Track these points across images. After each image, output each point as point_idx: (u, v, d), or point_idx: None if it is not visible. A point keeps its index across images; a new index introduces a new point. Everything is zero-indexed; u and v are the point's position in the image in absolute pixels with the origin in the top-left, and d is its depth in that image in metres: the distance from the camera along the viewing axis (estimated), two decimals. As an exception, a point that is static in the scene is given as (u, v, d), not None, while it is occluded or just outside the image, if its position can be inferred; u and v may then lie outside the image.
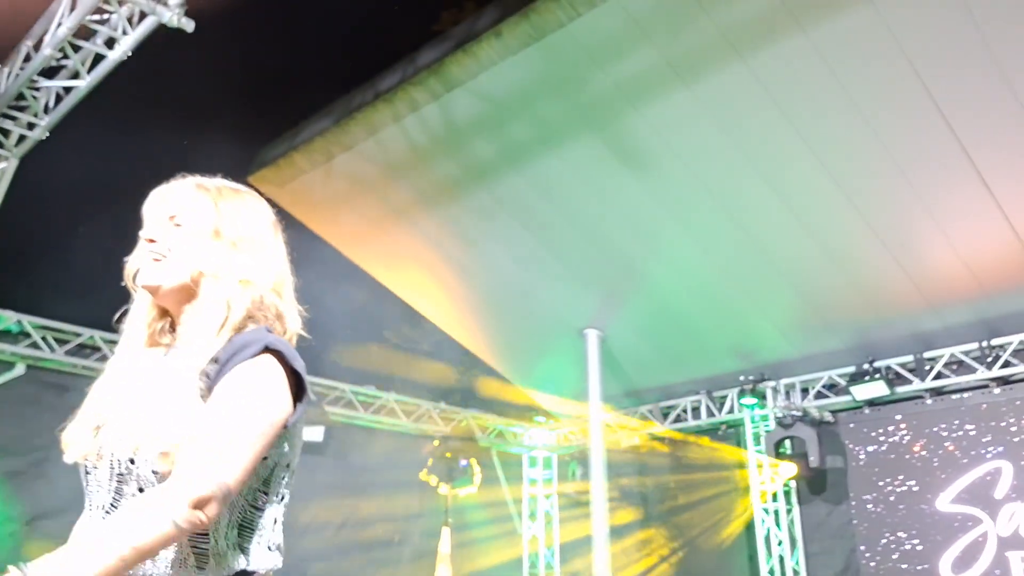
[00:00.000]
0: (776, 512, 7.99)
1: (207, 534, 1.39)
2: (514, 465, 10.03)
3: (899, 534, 7.27)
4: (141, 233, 1.59)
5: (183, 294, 1.57)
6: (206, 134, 6.45)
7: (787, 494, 8.03)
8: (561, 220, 7.10)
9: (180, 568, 1.38)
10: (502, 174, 6.86)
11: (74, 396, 5.78)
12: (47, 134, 5.04)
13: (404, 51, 6.54)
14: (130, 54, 4.51)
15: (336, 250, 8.17)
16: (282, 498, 1.53)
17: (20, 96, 4.87)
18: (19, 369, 6.44)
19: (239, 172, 7.54)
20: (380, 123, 6.81)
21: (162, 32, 4.46)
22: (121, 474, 1.44)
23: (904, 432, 7.45)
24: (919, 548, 7.13)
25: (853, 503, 7.59)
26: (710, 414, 8.58)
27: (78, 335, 6.78)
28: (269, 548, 1.49)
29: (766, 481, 8.03)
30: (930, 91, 5.47)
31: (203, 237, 1.57)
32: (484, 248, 7.68)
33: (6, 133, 5.14)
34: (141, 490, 1.41)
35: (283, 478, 1.52)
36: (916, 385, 7.38)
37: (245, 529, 1.45)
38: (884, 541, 7.33)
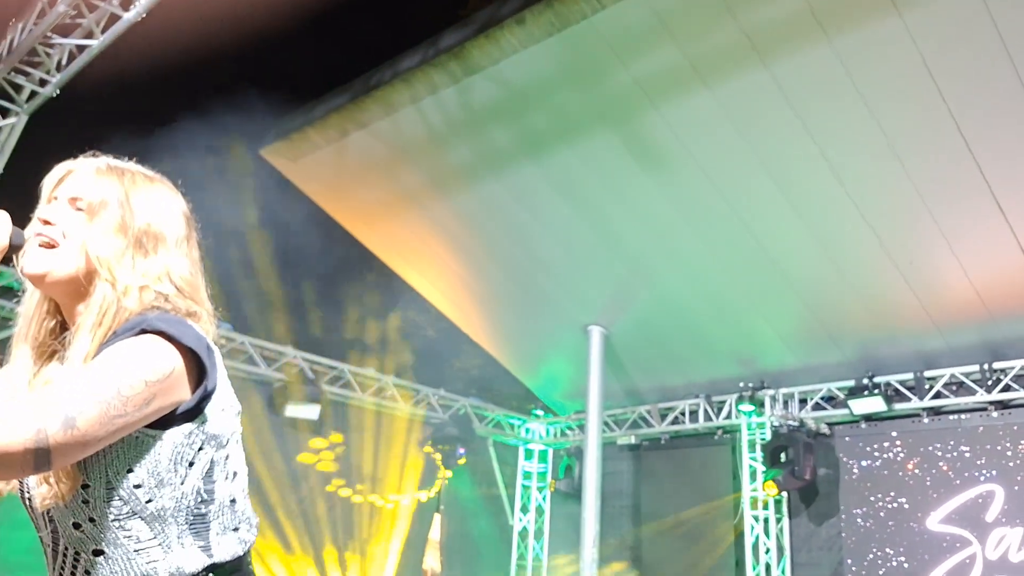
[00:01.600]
0: (766, 520, 7.98)
1: (155, 547, 1.32)
2: (509, 456, 10.02)
3: (887, 550, 7.24)
4: (35, 213, 1.41)
5: (72, 287, 1.40)
6: (222, 103, 6.44)
7: (778, 503, 8.01)
8: (573, 214, 7.07)
9: None
10: (516, 164, 6.83)
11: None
12: (57, 92, 5.02)
13: (427, 33, 6.51)
14: (145, 15, 4.49)
15: (345, 229, 8.17)
16: (231, 476, 1.42)
17: (33, 52, 4.85)
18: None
19: (252, 144, 7.55)
20: (397, 103, 6.78)
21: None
22: (48, 509, 1.34)
23: (899, 449, 7.42)
24: (906, 566, 7.10)
25: (843, 516, 7.57)
26: (707, 418, 8.56)
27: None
28: (234, 530, 1.42)
29: (758, 488, 8.00)
30: (952, 111, 5.42)
31: (106, 228, 1.40)
32: (493, 237, 7.65)
33: (18, 88, 5.12)
34: (77, 525, 1.32)
35: (223, 457, 1.41)
36: (914, 403, 7.35)
37: (197, 526, 1.37)
38: (871, 556, 7.31)
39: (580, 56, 5.96)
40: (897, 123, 5.63)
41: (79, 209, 1.41)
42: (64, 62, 4.85)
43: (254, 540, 1.45)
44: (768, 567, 7.85)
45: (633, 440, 9.10)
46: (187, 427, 1.35)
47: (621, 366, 8.54)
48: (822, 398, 7.93)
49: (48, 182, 1.45)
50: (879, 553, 7.27)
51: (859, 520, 7.46)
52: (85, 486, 1.29)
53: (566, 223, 7.19)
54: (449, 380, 9.48)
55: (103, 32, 4.56)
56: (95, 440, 1.21)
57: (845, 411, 7.60)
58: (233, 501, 1.42)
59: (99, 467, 1.29)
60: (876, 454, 7.53)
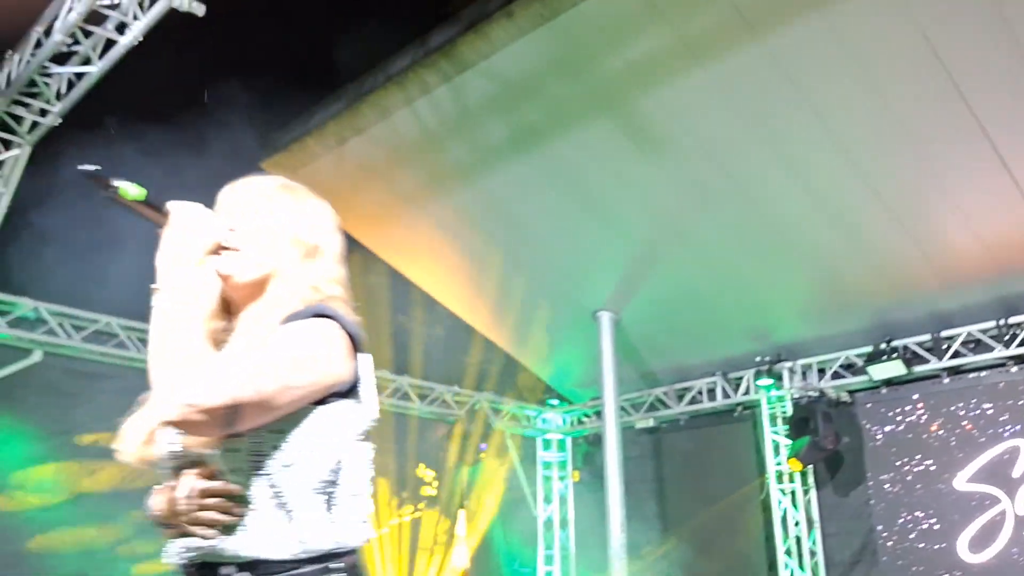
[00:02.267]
0: (793, 493, 7.99)
1: (283, 505, 1.40)
2: (528, 448, 10.04)
3: (916, 514, 7.24)
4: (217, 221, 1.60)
5: (251, 289, 1.60)
6: (219, 119, 6.44)
7: (804, 475, 8.01)
8: (574, 204, 7.07)
9: (275, 538, 1.39)
10: (514, 158, 6.83)
11: (91, 381, 5.85)
12: (59, 120, 5.04)
13: (416, 33, 6.50)
14: (141, 39, 4.49)
15: (350, 235, 8.17)
16: (363, 471, 1.52)
17: (32, 83, 4.86)
18: (36, 355, 6.47)
19: (252, 158, 7.56)
20: (392, 106, 6.78)
21: (173, 16, 4.43)
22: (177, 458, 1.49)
23: (921, 411, 7.41)
24: (936, 527, 7.10)
25: (870, 483, 7.57)
26: (726, 396, 8.56)
27: (95, 321, 6.80)
28: (359, 520, 1.49)
29: (783, 462, 8.01)
30: (949, 70, 5.40)
31: (281, 239, 1.61)
32: (496, 233, 7.66)
33: (19, 120, 5.14)
34: (221, 472, 1.44)
35: (358, 448, 1.50)
36: (933, 364, 7.33)
37: (323, 502, 1.43)
38: (901, 521, 7.31)
39: (571, 45, 5.95)
40: (897, 87, 5.61)
41: (256, 221, 1.61)
42: (64, 90, 4.86)
43: (366, 537, 1.50)
44: (798, 540, 7.86)
45: (652, 423, 9.10)
46: (338, 405, 1.47)
47: (634, 350, 8.54)
48: (841, 366, 7.92)
49: (226, 195, 1.67)
50: (909, 517, 7.27)
51: (887, 486, 7.46)
52: (238, 435, 1.39)
53: (568, 213, 7.19)
54: (463, 377, 9.49)
55: (100, 58, 4.57)
56: (276, 407, 1.36)
57: (864, 378, 7.59)
58: (356, 494, 1.49)
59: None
60: (899, 418, 7.52)
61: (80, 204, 5.95)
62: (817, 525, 7.92)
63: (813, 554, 7.84)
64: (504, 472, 9.59)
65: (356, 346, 1.49)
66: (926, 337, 7.37)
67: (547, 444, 10.17)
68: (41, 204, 5.69)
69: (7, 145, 5.21)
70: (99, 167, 1.51)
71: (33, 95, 4.98)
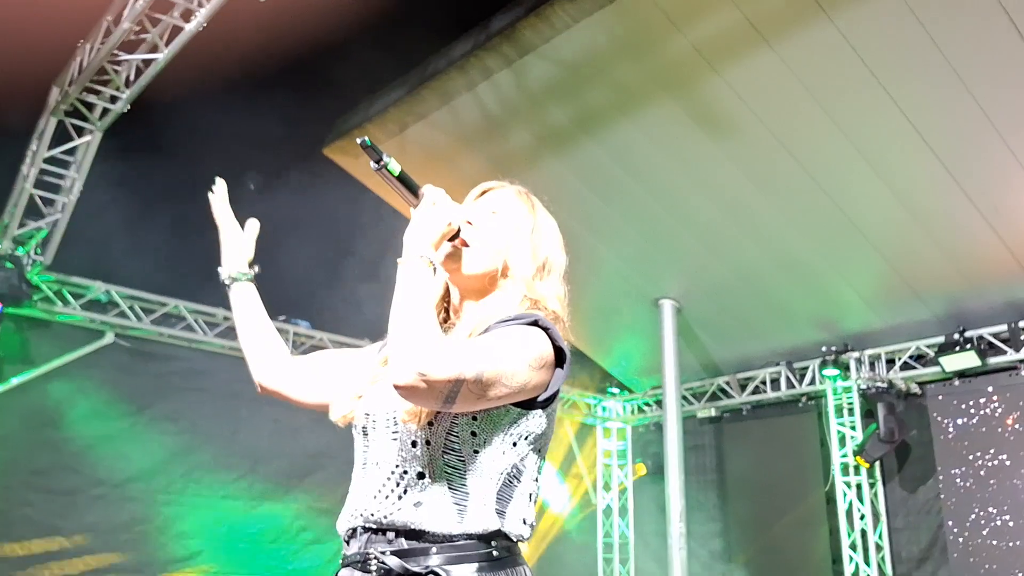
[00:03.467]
0: (859, 486, 7.78)
1: (465, 486, 1.50)
2: (588, 436, 9.99)
3: (989, 510, 6.99)
4: (458, 213, 1.68)
5: (476, 283, 1.69)
6: (282, 106, 6.51)
7: (870, 468, 7.80)
8: (638, 188, 6.96)
9: (445, 516, 1.49)
10: (577, 141, 6.75)
11: (160, 363, 5.99)
12: (128, 107, 5.14)
13: (477, 17, 6.45)
14: (205, 25, 4.55)
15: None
16: (536, 474, 1.59)
17: (102, 71, 4.96)
18: (108, 337, 6.66)
19: (315, 144, 7.63)
20: (453, 91, 6.75)
21: (236, 3, 4.47)
22: (395, 431, 1.56)
23: (996, 404, 7.14)
24: (1011, 524, 6.85)
25: (940, 477, 7.33)
26: (790, 386, 8.37)
27: (163, 304, 6.97)
28: (523, 521, 1.55)
29: (848, 454, 7.81)
30: (1034, 45, 5.14)
31: (521, 248, 1.70)
32: (557, 218, 7.56)
33: (90, 107, 5.26)
34: (414, 444, 1.52)
35: (538, 453, 1.59)
36: (1010, 356, 7.05)
37: (502, 496, 1.52)
38: (973, 517, 7.06)
39: (635, 26, 5.83)
40: (977, 71, 5.37)
41: (493, 222, 1.72)
42: (132, 78, 4.95)
43: (526, 539, 1.57)
44: (864, 534, 7.67)
45: (714, 412, 8.97)
46: (531, 413, 1.55)
47: (696, 338, 8.41)
48: (911, 357, 7.67)
49: (474, 191, 1.80)
50: (981, 513, 7.02)
51: (958, 480, 7.21)
52: (443, 415, 1.50)
53: (632, 198, 7.08)
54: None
55: (167, 45, 4.64)
56: (488, 397, 1.45)
57: (936, 369, 7.34)
58: (530, 495, 1.58)
59: None
60: (972, 411, 7.26)
61: (150, 191, 6.09)
62: (884, 519, 7.71)
63: (879, 548, 7.64)
64: (563, 461, 9.56)
65: (560, 363, 1.56)
66: (1002, 327, 7.08)
67: (607, 433, 10.10)
68: (113, 190, 5.84)
69: (79, 132, 5.35)
70: (369, 146, 1.65)
71: (103, 83, 5.09)
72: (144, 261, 6.45)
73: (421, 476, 1.51)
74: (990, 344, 7.14)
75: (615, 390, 9.88)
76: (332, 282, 7.78)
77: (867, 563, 7.58)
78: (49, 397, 6.36)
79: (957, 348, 7.09)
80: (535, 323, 1.56)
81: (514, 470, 1.54)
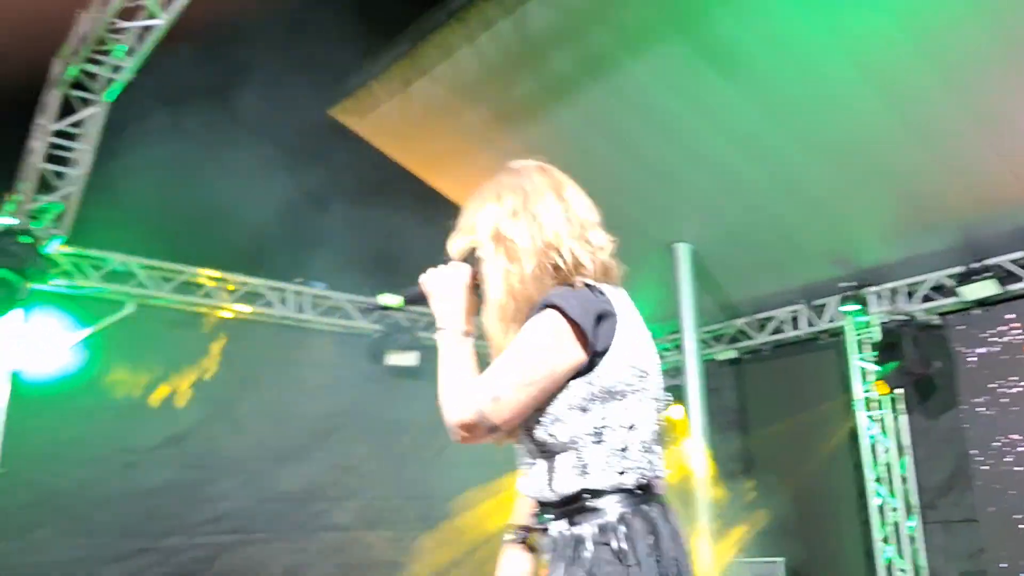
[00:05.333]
0: (882, 420, 7.80)
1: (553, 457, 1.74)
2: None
3: (1012, 436, 6.99)
4: None
5: (519, 299, 1.83)
6: (285, 68, 6.47)
7: (893, 401, 7.80)
8: (647, 131, 6.89)
9: (541, 485, 1.76)
10: (583, 87, 6.67)
11: (183, 332, 6.05)
12: (132, 76, 5.13)
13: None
14: (203, -11, 4.51)
15: (419, 178, 8.18)
16: (626, 426, 1.71)
17: (102, 40, 4.94)
18: (130, 308, 6.74)
19: (320, 105, 7.59)
20: (454, 44, 6.68)
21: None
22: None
23: (1017, 331, 7.09)
24: (1035, 450, 6.85)
25: (963, 407, 7.32)
26: (809, 324, 8.35)
27: (181, 272, 7.03)
28: (620, 472, 1.69)
29: (871, 389, 7.81)
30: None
31: (507, 246, 1.83)
32: (567, 166, 7.47)
33: (94, 78, 5.25)
34: (522, 437, 1.80)
35: (606, 413, 1.70)
36: (1030, 282, 6.99)
37: (585, 460, 1.70)
38: (996, 444, 7.07)
39: (637, -37, 5.73)
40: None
41: (488, 227, 1.91)
42: (134, 45, 4.93)
43: (639, 486, 1.70)
44: (888, 467, 7.70)
45: (733, 354, 8.97)
46: (581, 381, 1.69)
47: (712, 280, 8.37)
48: (930, 288, 7.61)
49: (470, 198, 2.00)
50: (1005, 440, 7.02)
51: (980, 409, 7.20)
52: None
53: (642, 142, 7.02)
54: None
55: (164, 10, 4.61)
56: (521, 405, 1.66)
57: (955, 299, 7.29)
58: (624, 448, 1.71)
59: None
60: (993, 339, 7.22)
61: (159, 159, 6.10)
62: (908, 451, 7.73)
63: (904, 480, 7.67)
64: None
65: (582, 327, 1.67)
66: (1020, 254, 7.01)
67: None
68: (122, 159, 5.86)
69: (86, 103, 5.35)
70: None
71: (105, 52, 5.07)
72: (160, 229, 6.50)
73: (532, 458, 1.79)
74: (1009, 272, 7.07)
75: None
76: (347, 243, 7.81)
77: (892, 495, 7.63)
78: (77, 369, 6.46)
79: (976, 277, 7.03)
80: (546, 307, 1.69)
81: (594, 432, 1.69)
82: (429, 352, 8.02)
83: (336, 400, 7.78)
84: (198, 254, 7.09)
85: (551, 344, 1.66)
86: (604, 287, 1.79)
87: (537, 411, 1.70)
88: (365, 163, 7.85)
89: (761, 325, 8.73)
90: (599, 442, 1.69)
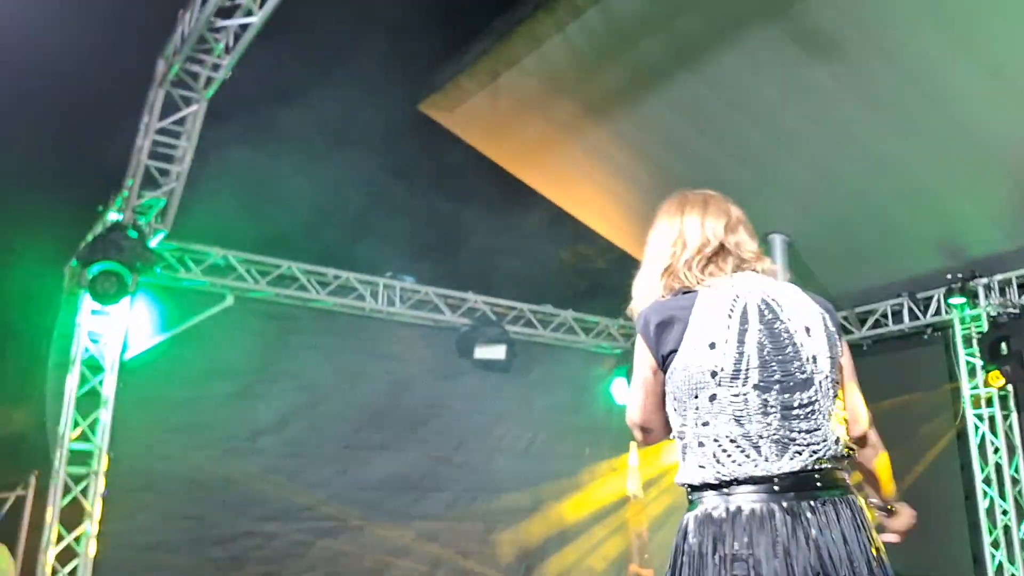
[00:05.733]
0: (991, 418, 7.39)
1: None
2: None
3: None
4: None
5: None
6: (376, 64, 6.56)
7: (1003, 398, 7.38)
8: (741, 120, 6.70)
9: None
10: (674, 76, 6.53)
11: (278, 323, 6.18)
12: (230, 73, 5.29)
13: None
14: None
15: (507, 172, 8.18)
16: (699, 423, 1.82)
17: (202, 39, 5.11)
18: (229, 300, 6.96)
19: (410, 100, 7.67)
20: (543, 35, 6.64)
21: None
22: None
23: None
24: None
25: (1081, 406, 6.86)
26: (913, 317, 7.97)
27: (278, 266, 7.23)
28: (699, 467, 1.82)
29: (979, 385, 7.41)
30: None
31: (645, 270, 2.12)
32: (659, 158, 7.40)
33: (195, 76, 5.43)
34: None
35: (685, 411, 1.85)
36: None
37: (682, 452, 1.88)
38: (1120, 447, 6.60)
39: (730, -54, 5.56)
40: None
41: None
42: (231, 43, 5.09)
43: (718, 482, 1.78)
44: (998, 467, 7.29)
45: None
46: (667, 381, 1.90)
47: (810, 273, 8.06)
48: (1044, 280, 7.16)
49: None
50: None
51: (1101, 408, 6.74)
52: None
53: (735, 131, 6.83)
54: (627, 309, 9.37)
55: (260, 8, 4.73)
56: (635, 406, 1.98)
57: (1072, 292, 6.84)
58: (701, 444, 1.82)
59: None
60: (1115, 334, 6.75)
61: (257, 155, 6.28)
62: (1020, 452, 7.30)
63: (1016, 482, 7.25)
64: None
65: (643, 336, 1.91)
66: None
67: (717, 375, 9.91)
68: (221, 156, 6.05)
69: (187, 102, 5.54)
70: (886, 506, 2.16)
71: (205, 51, 5.24)
72: (259, 224, 6.69)
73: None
74: None
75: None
76: (435, 237, 7.88)
77: (1003, 497, 7.22)
78: (179, 359, 6.72)
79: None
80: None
81: (680, 429, 1.87)
82: (517, 346, 8.05)
83: (426, 393, 7.86)
84: (293, 248, 7.27)
85: (637, 353, 1.95)
86: (699, 288, 1.91)
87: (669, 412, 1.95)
88: (454, 158, 7.90)
89: (862, 319, 8.38)
90: (682, 438, 1.86)
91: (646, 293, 2.00)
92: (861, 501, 1.87)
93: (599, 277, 10.49)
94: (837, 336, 1.94)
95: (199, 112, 5.50)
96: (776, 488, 1.73)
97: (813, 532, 1.69)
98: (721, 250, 1.98)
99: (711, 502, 1.77)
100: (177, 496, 6.55)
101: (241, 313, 7.03)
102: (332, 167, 6.60)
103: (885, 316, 8.22)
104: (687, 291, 1.91)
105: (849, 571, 1.68)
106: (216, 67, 5.28)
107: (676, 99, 6.71)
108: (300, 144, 6.59)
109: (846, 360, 1.98)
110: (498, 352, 7.93)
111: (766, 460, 1.74)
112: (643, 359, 1.92)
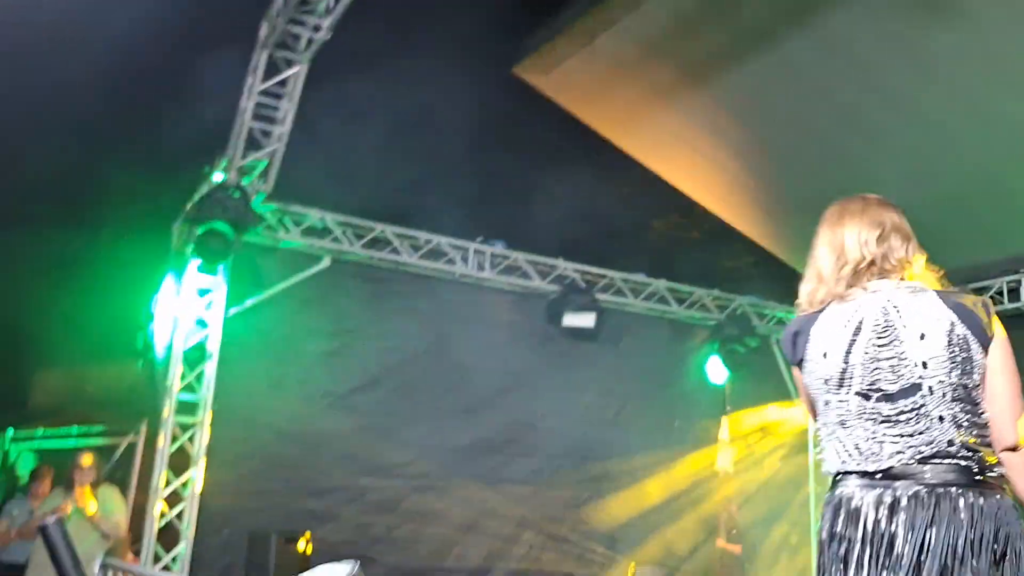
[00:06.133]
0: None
1: None
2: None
3: None
4: None
5: None
6: (470, 26, 6.52)
7: None
8: (850, 84, 6.38)
9: None
10: (780, 36, 6.26)
11: (372, 285, 6.28)
12: (330, 35, 5.35)
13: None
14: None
15: (602, 136, 8.05)
16: (823, 424, 2.05)
17: (304, 2, 5.18)
18: (325, 262, 7.12)
19: (505, 63, 7.61)
20: (642, -6, 6.46)
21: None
22: None
23: None
24: None
25: None
26: (1031, 295, 7.50)
27: (372, 229, 7.34)
28: (827, 459, 2.03)
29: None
30: None
31: None
32: (762, 122, 7.14)
33: (296, 38, 5.52)
34: None
35: (816, 411, 2.08)
36: None
37: (822, 442, 2.07)
38: None
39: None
40: None
41: None
42: (331, 5, 5.14)
43: (847, 469, 1.97)
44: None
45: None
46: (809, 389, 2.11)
47: (922, 245, 7.69)
48: None
49: None
50: None
51: None
52: None
53: (844, 95, 6.51)
54: (722, 280, 9.16)
55: (359, -31, 4.76)
56: (806, 405, 2.18)
57: None
58: (827, 441, 2.04)
59: None
60: None
61: (351, 119, 6.36)
62: None
63: None
64: (769, 378, 9.22)
65: (785, 348, 2.15)
66: None
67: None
68: (320, 119, 6.16)
69: (288, 63, 5.65)
70: None
71: (307, 12, 5.31)
72: (354, 187, 6.80)
73: None
74: None
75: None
76: (526, 202, 7.84)
77: None
78: (278, 317, 6.94)
79: None
80: None
81: (818, 426, 2.09)
82: (607, 315, 7.97)
83: (514, 359, 7.89)
84: (386, 212, 7.36)
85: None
86: (832, 303, 2.08)
87: None
88: (548, 122, 7.82)
89: (977, 295, 7.93)
90: (819, 433, 2.08)
91: (800, 302, 2.19)
92: (1003, 496, 1.92)
93: (694, 247, 10.26)
94: (970, 340, 1.97)
95: (300, 74, 5.60)
96: (879, 480, 1.92)
97: (914, 521, 1.85)
98: (871, 264, 2.09)
99: (834, 490, 2.01)
100: (276, 448, 6.80)
101: (337, 274, 7.19)
102: (425, 131, 6.63)
103: (1000, 293, 7.76)
104: (826, 304, 2.10)
105: (953, 560, 1.82)
106: (317, 28, 5.35)
107: (781, 62, 6.44)
108: (394, 108, 6.64)
109: (992, 362, 1.98)
110: (587, 320, 7.87)
111: (866, 459, 1.94)
112: (792, 367, 2.19)
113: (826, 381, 2.00)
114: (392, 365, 7.39)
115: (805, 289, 2.17)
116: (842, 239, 2.11)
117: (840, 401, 1.98)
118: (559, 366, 8.07)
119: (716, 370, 8.73)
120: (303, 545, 6.03)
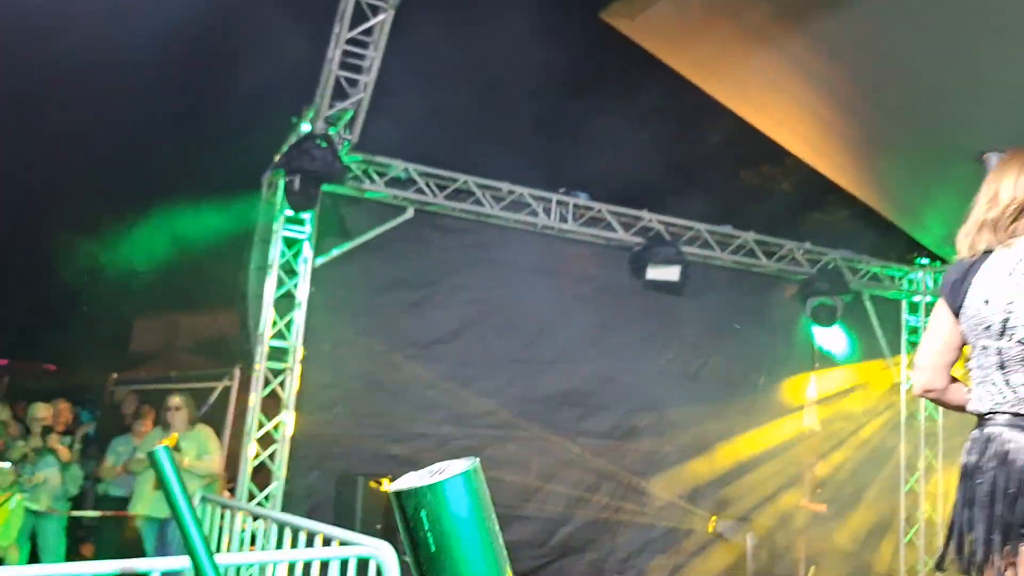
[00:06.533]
0: None
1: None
2: (890, 311, 9.19)
3: None
4: None
5: None
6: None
7: None
8: (959, 21, 5.95)
9: None
10: (884, -27, 5.88)
11: (454, 236, 6.31)
12: (417, -17, 5.29)
13: None
14: None
15: (691, 83, 7.78)
16: (979, 367, 2.20)
17: (390, -53, 5.13)
18: (409, 213, 7.17)
19: (591, 7, 7.41)
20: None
21: None
22: None
23: None
24: None
25: None
26: None
27: (454, 180, 7.33)
28: (978, 399, 2.21)
29: None
30: None
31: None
32: (863, 68, 6.75)
33: (383, -14, 5.48)
34: None
35: (973, 354, 2.22)
36: None
37: (974, 387, 2.25)
38: None
39: None
40: None
41: None
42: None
43: (1000, 409, 2.13)
44: None
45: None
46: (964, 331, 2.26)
47: None
48: None
49: None
50: None
51: None
52: None
53: (951, 34, 6.08)
54: (814, 233, 8.83)
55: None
56: (928, 355, 2.35)
57: None
58: (980, 382, 2.21)
59: None
60: None
61: (437, 68, 6.31)
62: None
63: None
64: (861, 335, 8.92)
65: (944, 294, 2.27)
66: None
67: (914, 308, 9.22)
68: (403, 69, 6.13)
69: (375, 11, 5.62)
70: None
71: (395, -41, 5.26)
72: (438, 137, 6.79)
73: None
74: None
75: (924, 260, 8.93)
76: (611, 152, 7.70)
77: None
78: (363, 267, 7.05)
79: None
80: None
81: (971, 368, 2.24)
82: (692, 268, 7.81)
83: (596, 311, 7.83)
84: (469, 163, 7.33)
85: (937, 304, 2.34)
86: (996, 248, 2.17)
87: None
88: (635, 69, 7.61)
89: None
90: (971, 375, 2.21)
91: (959, 248, 2.28)
92: None
93: (785, 198, 9.94)
94: None
95: (386, 21, 5.57)
96: (1021, 420, 2.10)
97: None
98: None
99: (983, 428, 2.17)
100: (361, 394, 6.98)
101: (420, 225, 7.24)
102: (509, 80, 6.54)
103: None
104: (988, 251, 2.19)
105: None
106: (403, -27, 5.30)
107: (882, 1, 6.05)
108: (478, 57, 6.57)
109: None
110: (671, 273, 7.72)
111: (1021, 402, 2.10)
112: (941, 310, 2.27)
113: (987, 328, 2.13)
114: (473, 316, 7.44)
115: (964, 236, 2.24)
116: (1002, 186, 2.21)
117: (1000, 348, 2.12)
118: (641, 320, 7.98)
119: (805, 326, 8.49)
120: (387, 487, 6.20)
